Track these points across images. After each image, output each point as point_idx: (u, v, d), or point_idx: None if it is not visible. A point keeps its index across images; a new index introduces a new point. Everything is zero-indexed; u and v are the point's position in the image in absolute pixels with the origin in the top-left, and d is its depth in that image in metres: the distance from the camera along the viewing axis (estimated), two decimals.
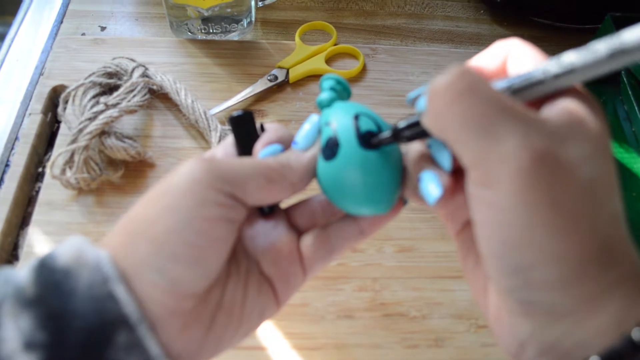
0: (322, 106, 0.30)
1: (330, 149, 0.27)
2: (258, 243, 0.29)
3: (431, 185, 0.25)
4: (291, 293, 0.30)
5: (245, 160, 0.27)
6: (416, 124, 0.25)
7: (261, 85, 0.57)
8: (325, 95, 0.29)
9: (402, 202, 0.29)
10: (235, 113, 0.29)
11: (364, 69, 0.61)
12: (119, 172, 0.51)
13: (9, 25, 0.65)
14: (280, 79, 0.58)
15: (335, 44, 0.63)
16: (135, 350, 0.22)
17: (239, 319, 0.27)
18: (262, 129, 0.30)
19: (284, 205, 0.31)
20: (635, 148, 0.56)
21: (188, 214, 0.24)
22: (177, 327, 0.24)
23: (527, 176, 0.20)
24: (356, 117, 0.28)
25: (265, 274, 0.29)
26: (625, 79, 0.59)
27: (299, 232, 0.30)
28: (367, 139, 0.27)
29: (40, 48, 0.61)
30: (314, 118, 0.29)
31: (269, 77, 0.58)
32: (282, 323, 0.45)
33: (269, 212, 0.30)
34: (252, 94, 0.57)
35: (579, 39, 0.69)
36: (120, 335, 0.22)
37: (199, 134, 0.54)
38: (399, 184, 0.28)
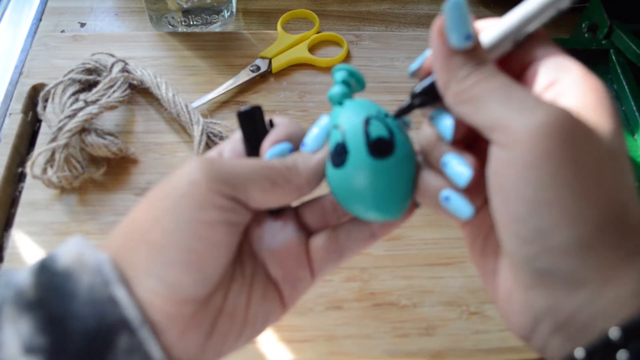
0: (333, 102, 0.28)
1: (339, 155, 0.26)
2: (265, 243, 0.28)
3: (459, 167, 0.24)
4: (298, 297, 0.29)
5: (249, 162, 0.26)
6: (429, 89, 0.25)
7: (244, 76, 0.57)
8: (336, 89, 0.28)
9: (415, 205, 0.28)
10: (243, 108, 0.27)
11: (348, 56, 0.60)
12: (101, 170, 0.50)
13: None
14: (263, 70, 0.57)
15: (318, 32, 0.62)
16: (136, 354, 0.22)
17: (243, 323, 0.26)
18: (272, 124, 0.28)
19: (293, 203, 0.29)
20: (626, 127, 0.55)
21: (186, 218, 0.23)
22: (176, 332, 0.23)
23: (551, 132, 0.20)
24: (367, 122, 0.26)
25: (271, 276, 0.28)
26: (614, 58, 0.58)
27: (308, 231, 0.29)
28: (378, 147, 0.25)
29: (20, 47, 0.61)
30: (324, 119, 0.28)
31: (251, 68, 0.57)
32: None
33: (277, 211, 0.29)
34: (234, 85, 0.56)
35: (567, 19, 0.67)
36: (121, 339, 0.22)
37: (182, 128, 0.54)
38: (411, 190, 0.26)
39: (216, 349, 0.25)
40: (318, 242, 0.28)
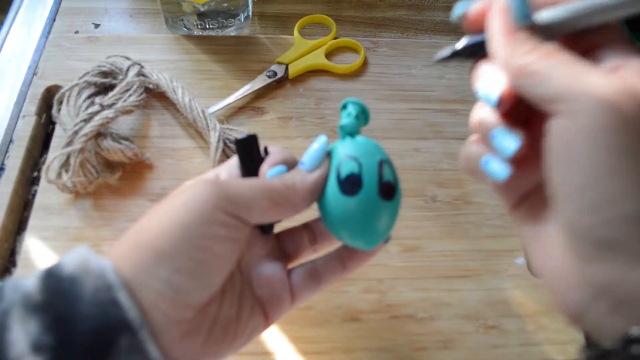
0: (344, 132, 0.31)
1: (351, 185, 0.29)
2: (252, 266, 0.32)
3: (506, 139, 0.25)
4: (280, 316, 0.32)
5: (251, 182, 0.28)
6: (476, 47, 0.27)
7: (260, 81, 0.56)
8: (350, 122, 0.31)
9: (385, 240, 0.31)
10: (240, 136, 0.30)
11: (365, 63, 0.60)
12: (116, 175, 0.49)
13: (0, 22, 0.63)
14: (279, 75, 0.57)
15: (334, 38, 0.61)
16: (136, 353, 0.23)
17: (234, 334, 0.29)
18: (266, 151, 0.31)
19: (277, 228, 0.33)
20: None
21: (194, 232, 0.25)
22: (177, 335, 0.25)
23: (623, 102, 0.21)
24: (381, 164, 0.29)
25: (257, 296, 0.31)
26: None
27: (287, 255, 0.33)
28: (386, 190, 0.29)
29: (33, 47, 0.60)
30: (322, 139, 0.30)
31: (267, 74, 0.57)
32: (287, 327, 0.44)
33: (269, 230, 0.32)
34: (250, 91, 0.55)
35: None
36: (122, 339, 0.23)
37: (198, 134, 0.53)
38: (392, 227, 0.31)
39: (210, 355, 0.28)
40: (299, 274, 0.33)
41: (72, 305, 0.23)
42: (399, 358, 0.43)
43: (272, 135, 0.54)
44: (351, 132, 0.31)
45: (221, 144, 0.50)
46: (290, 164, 0.30)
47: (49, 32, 0.61)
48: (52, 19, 0.63)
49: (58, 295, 0.24)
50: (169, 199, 0.27)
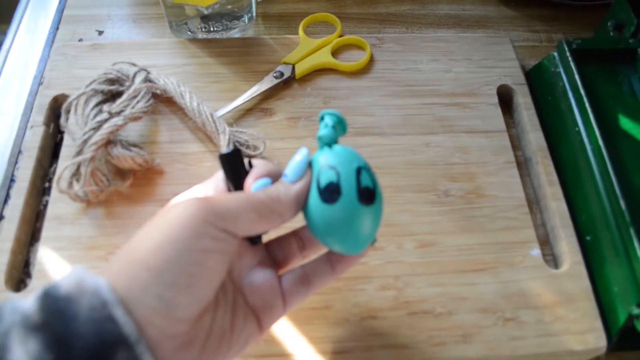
0: (322, 142, 0.32)
1: (330, 194, 0.30)
2: (245, 278, 0.33)
3: None
4: (273, 322, 0.33)
5: (237, 196, 0.30)
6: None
7: (267, 83, 0.56)
8: (328, 132, 0.32)
9: (372, 243, 0.33)
10: (224, 150, 0.32)
11: (371, 60, 0.59)
12: (128, 182, 0.49)
13: (4, 33, 0.63)
14: (286, 76, 0.56)
15: (340, 36, 0.61)
16: None
17: (229, 343, 0.30)
18: (250, 164, 0.32)
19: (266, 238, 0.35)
20: None
21: (184, 246, 0.26)
22: (172, 348, 0.26)
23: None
24: (358, 171, 0.31)
25: (249, 304, 0.32)
26: None
27: (277, 263, 0.35)
28: (365, 195, 0.30)
29: (38, 56, 0.60)
30: (303, 151, 0.32)
31: (274, 74, 0.56)
32: (306, 328, 0.44)
33: (258, 241, 0.33)
34: (258, 92, 0.55)
35: (592, 17, 0.67)
36: (120, 354, 0.24)
37: (207, 137, 0.53)
38: (376, 231, 0.32)
39: None
40: (289, 278, 0.34)
41: (70, 323, 0.24)
42: (418, 354, 0.43)
43: (281, 135, 0.53)
44: (329, 142, 0.32)
45: (231, 147, 0.49)
46: (274, 176, 0.32)
47: (52, 41, 0.61)
48: (56, 27, 0.62)
49: (55, 315, 0.24)
50: (158, 216, 0.28)
